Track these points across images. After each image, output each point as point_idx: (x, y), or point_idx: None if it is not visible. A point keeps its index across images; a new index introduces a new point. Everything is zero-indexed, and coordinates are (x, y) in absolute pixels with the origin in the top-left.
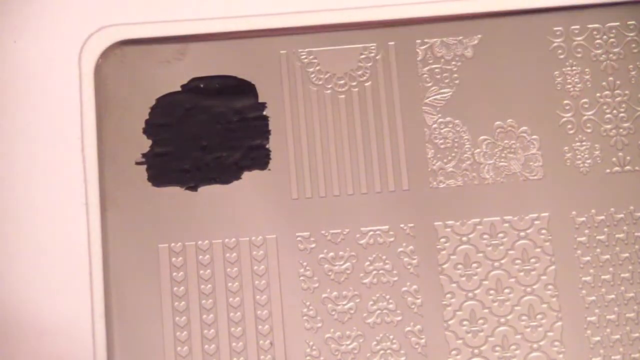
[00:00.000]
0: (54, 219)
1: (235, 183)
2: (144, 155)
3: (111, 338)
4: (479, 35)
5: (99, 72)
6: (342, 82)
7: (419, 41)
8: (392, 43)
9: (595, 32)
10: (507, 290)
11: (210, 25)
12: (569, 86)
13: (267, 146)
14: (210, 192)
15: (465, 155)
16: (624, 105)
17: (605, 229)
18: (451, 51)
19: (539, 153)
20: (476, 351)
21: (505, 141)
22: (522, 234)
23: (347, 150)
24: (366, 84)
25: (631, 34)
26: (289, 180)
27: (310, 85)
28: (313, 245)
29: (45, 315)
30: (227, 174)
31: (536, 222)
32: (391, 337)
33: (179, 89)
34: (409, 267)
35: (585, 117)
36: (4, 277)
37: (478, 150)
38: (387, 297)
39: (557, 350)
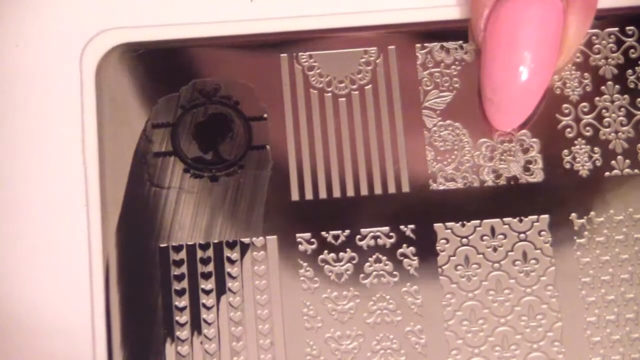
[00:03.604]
0: (54, 219)
1: None
2: (144, 155)
3: (111, 338)
4: None
5: (100, 74)
6: (342, 85)
7: (418, 45)
8: (393, 47)
9: (594, 37)
10: (507, 291)
11: (210, 28)
12: (569, 90)
13: (267, 148)
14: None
15: (465, 157)
16: (622, 109)
17: (605, 231)
18: (451, 55)
19: (538, 156)
20: (476, 351)
21: (505, 144)
22: (522, 235)
23: (348, 153)
24: (366, 87)
25: (629, 39)
26: (290, 183)
27: (311, 88)
28: (313, 246)
29: (45, 315)
30: None
31: (536, 224)
32: (391, 337)
33: (179, 91)
34: (409, 268)
35: (585, 121)
36: (4, 277)
37: (478, 152)
38: (387, 297)
39: (557, 350)
